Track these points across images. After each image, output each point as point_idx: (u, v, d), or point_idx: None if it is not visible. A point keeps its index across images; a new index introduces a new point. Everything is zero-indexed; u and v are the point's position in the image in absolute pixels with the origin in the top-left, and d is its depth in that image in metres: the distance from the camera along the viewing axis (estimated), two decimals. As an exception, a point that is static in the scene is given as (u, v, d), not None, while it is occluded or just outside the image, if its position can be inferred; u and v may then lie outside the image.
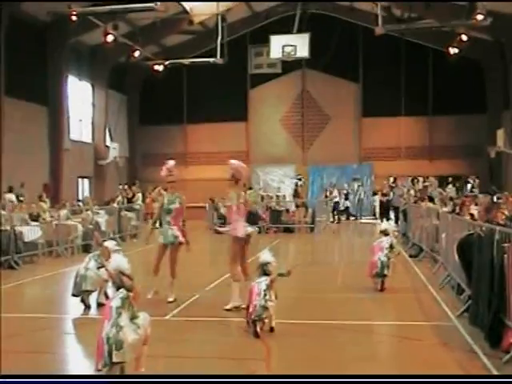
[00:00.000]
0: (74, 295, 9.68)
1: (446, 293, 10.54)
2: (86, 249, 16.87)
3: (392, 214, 24.91)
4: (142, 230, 23.78)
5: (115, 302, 5.72)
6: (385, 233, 11.54)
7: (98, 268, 9.60)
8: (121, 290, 5.83)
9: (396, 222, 22.79)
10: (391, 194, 26.73)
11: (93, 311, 9.53)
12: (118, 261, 6.07)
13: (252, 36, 34.53)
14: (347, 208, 31.88)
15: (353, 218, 31.34)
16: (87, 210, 19.67)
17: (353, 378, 2.81)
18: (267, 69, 33.62)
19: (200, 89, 34.50)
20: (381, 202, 27.76)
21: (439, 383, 1.73)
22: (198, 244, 21.92)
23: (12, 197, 20.80)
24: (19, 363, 6.94)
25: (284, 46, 29.73)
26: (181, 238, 10.19)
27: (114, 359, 5.46)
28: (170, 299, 10.02)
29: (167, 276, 10.19)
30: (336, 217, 30.09)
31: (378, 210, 29.45)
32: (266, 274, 8.04)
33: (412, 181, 29.20)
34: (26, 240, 15.60)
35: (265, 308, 7.65)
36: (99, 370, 5.59)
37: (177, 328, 8.80)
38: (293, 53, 29.83)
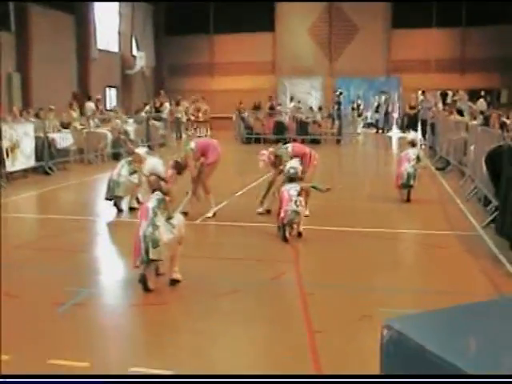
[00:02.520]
0: (107, 199, 9.96)
1: (472, 204, 10.59)
2: (116, 157, 17.09)
3: (419, 127, 24.67)
4: (169, 139, 24.03)
5: (152, 203, 5.90)
6: (412, 143, 11.57)
7: (130, 174, 9.85)
8: (156, 192, 6.01)
9: (423, 135, 22.63)
10: (419, 106, 26.40)
11: (125, 215, 9.84)
12: (154, 163, 6.24)
13: None
14: (377, 121, 31.75)
15: (380, 131, 31.16)
16: (116, 119, 19.81)
17: (353, 377, 2.94)
18: (296, -23, 32.56)
19: (227, -2, 33.78)
20: (408, 114, 27.46)
21: (433, 383, 1.81)
22: (225, 154, 22.17)
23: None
24: (58, 260, 7.30)
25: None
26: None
27: (151, 256, 5.70)
28: (209, 215, 9.45)
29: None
30: (363, 129, 30.03)
31: (405, 122, 29.20)
32: (293, 180, 8.20)
33: (441, 94, 28.69)
34: (58, 147, 15.89)
35: (296, 213, 7.84)
36: (137, 267, 5.85)
37: (207, 232, 9.09)
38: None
